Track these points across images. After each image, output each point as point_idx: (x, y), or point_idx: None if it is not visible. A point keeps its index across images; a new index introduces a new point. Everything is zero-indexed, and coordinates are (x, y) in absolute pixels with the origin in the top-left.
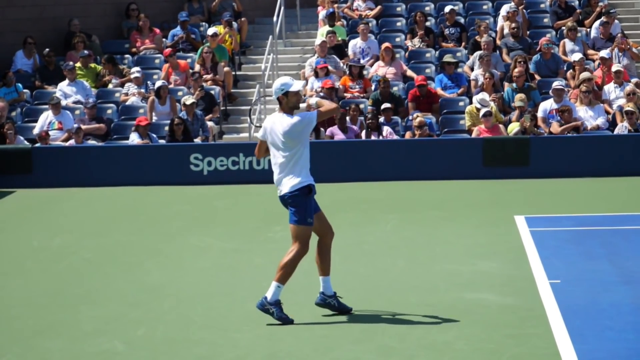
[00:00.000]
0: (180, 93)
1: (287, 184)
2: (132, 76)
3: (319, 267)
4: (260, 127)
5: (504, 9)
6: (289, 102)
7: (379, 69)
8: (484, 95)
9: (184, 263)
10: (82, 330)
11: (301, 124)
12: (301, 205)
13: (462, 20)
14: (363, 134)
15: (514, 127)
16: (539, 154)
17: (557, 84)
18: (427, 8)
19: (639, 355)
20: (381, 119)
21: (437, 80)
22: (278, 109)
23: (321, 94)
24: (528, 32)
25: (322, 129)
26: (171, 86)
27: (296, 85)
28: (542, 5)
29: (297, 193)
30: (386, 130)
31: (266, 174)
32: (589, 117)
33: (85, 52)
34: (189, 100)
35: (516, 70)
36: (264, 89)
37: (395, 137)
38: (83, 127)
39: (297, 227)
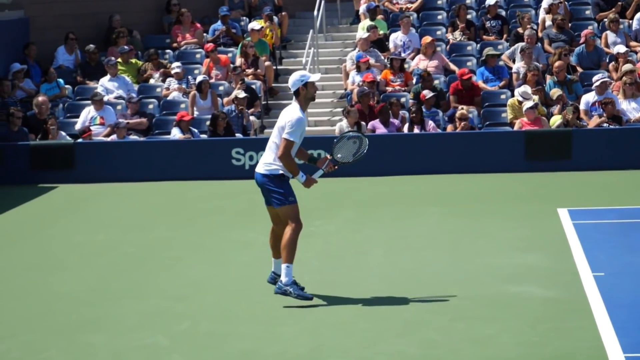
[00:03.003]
0: (221, 88)
1: (263, 166)
2: (172, 71)
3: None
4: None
5: (546, 1)
6: (307, 93)
7: (420, 62)
8: (526, 88)
9: (227, 257)
10: (126, 325)
11: (300, 122)
12: (277, 187)
13: (503, 13)
14: (405, 127)
15: (556, 120)
16: (581, 147)
17: (599, 76)
18: (468, 1)
19: None
20: (422, 107)
21: (479, 73)
22: (294, 101)
23: (365, 88)
24: (570, 25)
25: (363, 123)
26: (212, 81)
27: (314, 77)
28: None
29: (271, 176)
30: (430, 124)
31: (307, 168)
32: (631, 109)
33: (126, 47)
34: (242, 94)
35: (556, 64)
36: None
37: (438, 130)
38: (127, 122)
39: (281, 208)
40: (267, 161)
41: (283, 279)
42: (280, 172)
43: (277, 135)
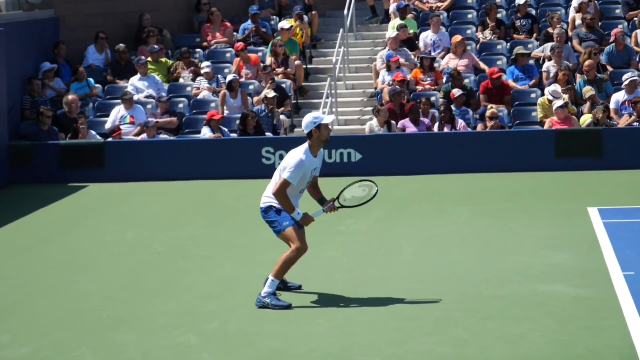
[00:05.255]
0: (251, 87)
1: (262, 199)
2: (202, 71)
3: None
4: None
5: (575, 0)
6: (320, 135)
7: (450, 61)
8: (556, 87)
9: (256, 256)
10: (156, 323)
11: (299, 165)
12: (273, 217)
13: (533, 12)
14: (435, 126)
15: (586, 119)
16: (611, 145)
17: (629, 75)
18: (498, 0)
19: None
20: (451, 106)
21: (509, 72)
22: (306, 142)
23: (397, 87)
24: (599, 24)
25: (393, 122)
26: (242, 80)
27: (327, 119)
28: None
29: (265, 209)
30: (460, 123)
31: (337, 167)
32: None
33: (155, 46)
34: (271, 93)
35: (587, 62)
36: (335, 82)
37: (468, 129)
38: (157, 120)
39: (281, 235)
40: (266, 194)
41: (264, 290)
42: (270, 204)
43: (278, 171)
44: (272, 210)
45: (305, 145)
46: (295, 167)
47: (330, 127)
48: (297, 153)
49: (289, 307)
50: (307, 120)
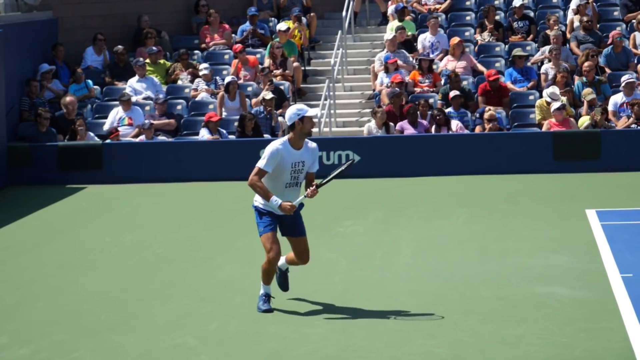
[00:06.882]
0: (249, 88)
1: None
2: (200, 73)
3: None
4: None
5: (574, 3)
6: (303, 127)
7: (448, 63)
8: (554, 89)
9: (256, 257)
10: (155, 325)
11: (273, 154)
12: (256, 219)
13: (531, 14)
14: (433, 128)
15: (584, 121)
16: (609, 148)
17: (627, 77)
18: (496, 2)
19: None
20: (449, 109)
21: (507, 74)
22: (288, 135)
23: (397, 89)
24: (598, 26)
25: (391, 124)
26: (240, 82)
27: (312, 112)
28: None
29: (253, 209)
30: (456, 124)
31: (335, 169)
32: None
33: (154, 48)
34: (269, 95)
35: (586, 64)
36: (334, 84)
37: (465, 131)
38: (154, 122)
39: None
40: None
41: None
42: (255, 204)
43: None
44: (256, 212)
45: (286, 137)
46: (269, 155)
47: (314, 120)
48: (274, 143)
49: (267, 311)
50: (291, 112)
